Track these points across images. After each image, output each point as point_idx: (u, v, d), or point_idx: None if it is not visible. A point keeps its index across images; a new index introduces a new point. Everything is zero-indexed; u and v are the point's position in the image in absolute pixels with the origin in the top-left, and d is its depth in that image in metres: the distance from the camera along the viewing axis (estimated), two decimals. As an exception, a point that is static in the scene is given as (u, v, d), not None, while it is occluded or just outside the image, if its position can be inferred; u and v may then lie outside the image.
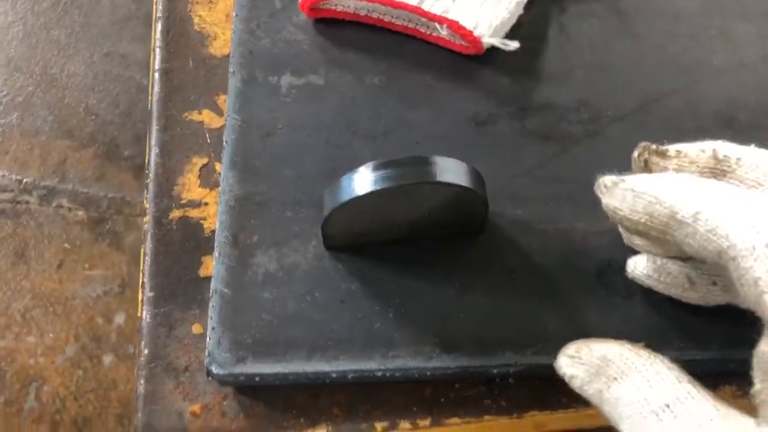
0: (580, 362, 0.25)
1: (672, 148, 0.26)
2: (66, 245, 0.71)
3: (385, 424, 0.31)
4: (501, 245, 0.31)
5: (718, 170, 0.25)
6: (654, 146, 0.27)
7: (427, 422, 0.31)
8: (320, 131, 0.33)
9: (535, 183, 0.33)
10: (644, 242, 0.29)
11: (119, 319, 0.68)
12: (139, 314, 0.33)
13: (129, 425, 0.63)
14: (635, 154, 0.27)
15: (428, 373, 0.29)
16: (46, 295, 0.69)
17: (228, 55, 0.37)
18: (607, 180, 0.26)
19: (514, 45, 0.34)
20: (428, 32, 0.35)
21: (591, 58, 0.36)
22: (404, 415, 0.31)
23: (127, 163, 0.76)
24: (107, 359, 0.67)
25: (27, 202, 0.73)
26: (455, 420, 0.31)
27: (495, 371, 0.30)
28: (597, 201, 0.33)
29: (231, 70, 0.35)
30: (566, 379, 0.26)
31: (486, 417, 0.31)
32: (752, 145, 0.26)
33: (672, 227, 0.24)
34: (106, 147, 0.76)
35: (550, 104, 0.34)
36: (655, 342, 0.29)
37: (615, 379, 0.24)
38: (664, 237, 0.25)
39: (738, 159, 0.25)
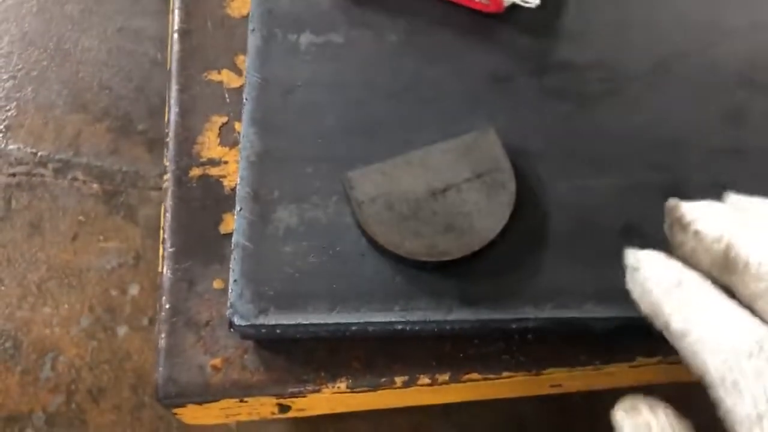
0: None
1: (692, 228, 0.26)
2: (80, 218, 0.71)
3: (404, 378, 0.31)
4: (519, 202, 0.31)
5: (725, 270, 0.25)
6: (679, 214, 0.26)
7: (446, 377, 0.31)
8: (339, 88, 0.33)
9: (553, 140, 0.33)
10: None
11: (133, 290, 0.69)
12: (159, 270, 0.33)
13: (143, 395, 0.64)
14: (666, 208, 0.27)
15: (447, 327, 0.29)
16: (61, 267, 0.69)
17: (246, 16, 0.37)
18: (631, 259, 0.27)
19: (534, 2, 0.34)
20: (448, -8, 0.35)
21: (609, 17, 0.35)
22: (423, 369, 0.31)
23: (140, 137, 0.76)
24: (121, 330, 0.67)
25: (42, 175, 0.73)
26: (474, 375, 0.31)
27: (514, 326, 0.30)
28: (613, 158, 0.33)
29: (251, 28, 0.34)
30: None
31: (504, 373, 0.31)
32: None
33: (666, 335, 0.25)
34: (119, 121, 0.76)
35: (568, 62, 0.34)
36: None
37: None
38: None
39: (746, 264, 0.24)
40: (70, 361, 0.67)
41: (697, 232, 0.26)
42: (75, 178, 0.75)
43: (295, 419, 0.65)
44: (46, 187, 0.74)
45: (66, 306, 0.69)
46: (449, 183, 0.30)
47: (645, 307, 0.26)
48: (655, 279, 0.25)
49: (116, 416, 0.65)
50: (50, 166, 0.75)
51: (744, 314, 0.23)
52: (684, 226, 0.26)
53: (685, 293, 0.25)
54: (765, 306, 0.23)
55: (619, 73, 0.34)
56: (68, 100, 0.81)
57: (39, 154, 0.76)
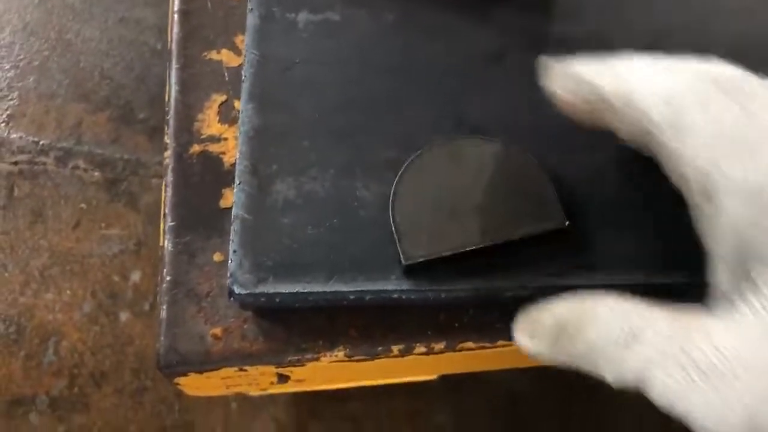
0: (539, 337, 0.26)
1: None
2: (82, 205, 0.72)
3: (400, 346, 0.31)
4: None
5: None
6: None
7: (441, 345, 0.32)
8: (336, 66, 0.34)
9: (550, 115, 0.33)
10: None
11: (135, 276, 0.69)
12: (161, 243, 0.33)
13: (145, 378, 0.65)
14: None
15: (443, 295, 0.30)
16: (64, 254, 0.70)
17: (246, -4, 0.37)
18: (548, 61, 0.27)
19: (528, -20, 0.34)
20: (443, -29, 0.36)
21: (604, -4, 0.36)
22: (419, 338, 0.32)
23: (141, 125, 0.77)
24: (123, 316, 0.68)
25: (44, 164, 0.74)
26: (469, 344, 0.32)
27: (509, 294, 0.30)
28: (610, 134, 0.33)
29: (249, 7, 0.35)
30: (533, 357, 0.26)
31: (500, 342, 0.32)
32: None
33: (605, 111, 0.25)
34: (121, 110, 0.77)
35: (563, 39, 0.35)
36: (660, 269, 0.30)
37: (576, 334, 0.24)
38: (599, 120, 0.26)
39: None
40: (72, 346, 0.68)
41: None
42: (77, 167, 0.76)
43: (294, 402, 0.66)
44: (48, 176, 0.75)
45: (68, 292, 0.70)
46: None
47: (571, 91, 0.27)
48: (583, 61, 0.26)
49: (118, 399, 0.66)
50: (52, 154, 0.76)
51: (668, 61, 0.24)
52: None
53: (614, 61, 0.26)
54: None
55: (614, 49, 0.35)
56: (70, 89, 0.82)
57: (41, 142, 0.77)
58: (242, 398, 0.62)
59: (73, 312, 0.67)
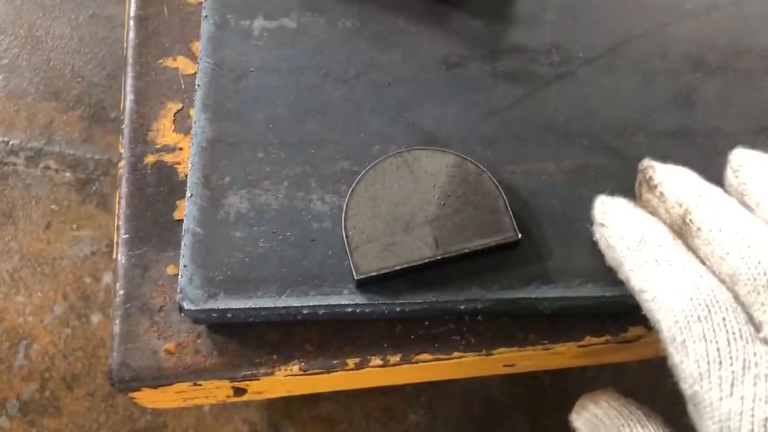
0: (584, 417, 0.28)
1: (659, 189, 0.27)
2: (53, 206, 0.71)
3: (356, 360, 0.31)
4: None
5: (682, 231, 0.27)
6: (648, 175, 0.28)
7: (397, 358, 0.31)
8: (292, 74, 0.33)
9: (504, 125, 0.33)
10: None
11: (107, 278, 0.69)
12: (114, 256, 0.33)
13: (118, 382, 0.64)
14: (639, 166, 0.29)
15: (397, 309, 0.30)
16: (34, 256, 0.69)
17: (202, 2, 0.37)
18: (598, 213, 0.28)
19: (485, -13, 0.34)
20: (401, -24, 0.35)
21: (562, 0, 0.36)
22: (375, 351, 0.31)
23: (113, 125, 0.76)
24: (95, 318, 0.67)
25: (14, 164, 0.73)
26: (425, 356, 0.31)
27: (462, 307, 0.30)
28: (564, 141, 0.33)
29: (204, 14, 0.35)
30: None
31: (455, 353, 0.32)
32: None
33: (628, 288, 0.27)
34: (92, 109, 0.76)
35: (521, 47, 0.35)
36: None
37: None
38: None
39: (698, 229, 0.26)
40: (43, 349, 0.67)
41: (662, 193, 0.27)
42: (47, 167, 0.75)
43: (267, 405, 0.66)
44: (18, 176, 0.74)
45: (39, 294, 0.69)
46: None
47: (609, 261, 0.28)
48: (619, 234, 0.27)
49: (90, 403, 0.65)
50: (22, 154, 0.75)
51: (698, 272, 0.24)
52: (651, 187, 0.28)
53: (645, 251, 0.26)
54: (715, 266, 0.25)
55: (571, 56, 0.35)
56: (40, 88, 0.81)
57: (11, 142, 0.76)
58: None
59: (44, 315, 0.67)
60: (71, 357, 0.65)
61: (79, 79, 0.77)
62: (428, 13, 0.35)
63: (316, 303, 0.29)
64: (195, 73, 0.36)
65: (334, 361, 0.31)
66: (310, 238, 0.30)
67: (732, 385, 0.22)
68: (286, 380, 0.32)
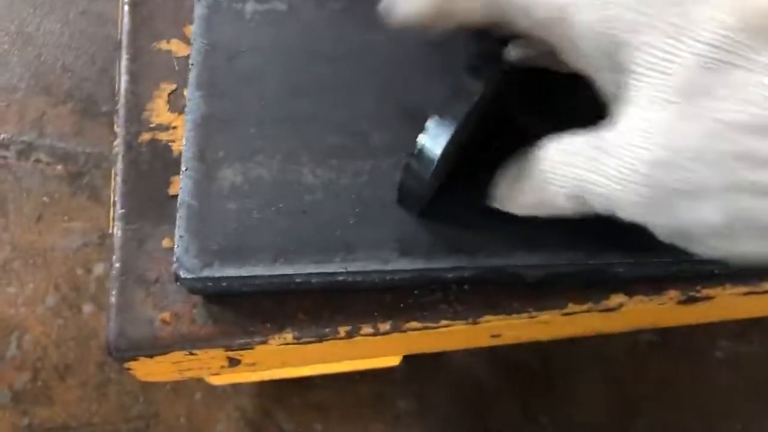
0: None
1: None
2: (45, 199, 0.72)
3: (347, 328, 0.32)
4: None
5: None
6: None
7: (387, 326, 0.32)
8: (282, 54, 0.34)
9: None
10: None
11: (98, 269, 0.69)
12: (110, 231, 0.34)
13: (110, 371, 0.65)
14: None
15: (387, 277, 0.31)
16: (26, 247, 0.70)
17: (195, -14, 0.38)
18: None
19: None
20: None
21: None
22: (366, 320, 0.32)
23: (104, 118, 0.76)
24: (87, 308, 0.68)
25: (5, 158, 0.73)
26: (414, 324, 0.32)
27: (450, 275, 0.31)
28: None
29: (197, -3, 0.36)
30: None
31: (443, 322, 0.33)
32: None
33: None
34: (83, 103, 0.77)
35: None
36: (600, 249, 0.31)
37: None
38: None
39: None
40: (36, 340, 0.68)
41: None
42: (38, 160, 0.75)
43: (259, 392, 0.66)
44: (10, 169, 0.75)
45: (31, 285, 0.70)
46: None
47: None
48: None
49: (82, 392, 0.66)
50: (13, 148, 0.75)
51: None
52: None
53: None
54: None
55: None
56: (31, 82, 0.81)
57: (2, 136, 0.77)
58: (207, 388, 0.62)
59: (36, 305, 0.67)
60: (63, 347, 0.66)
61: (70, 74, 0.78)
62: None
63: (309, 271, 0.30)
64: (188, 55, 0.37)
65: (327, 330, 0.32)
66: (301, 210, 0.31)
67: None
68: (280, 349, 0.33)
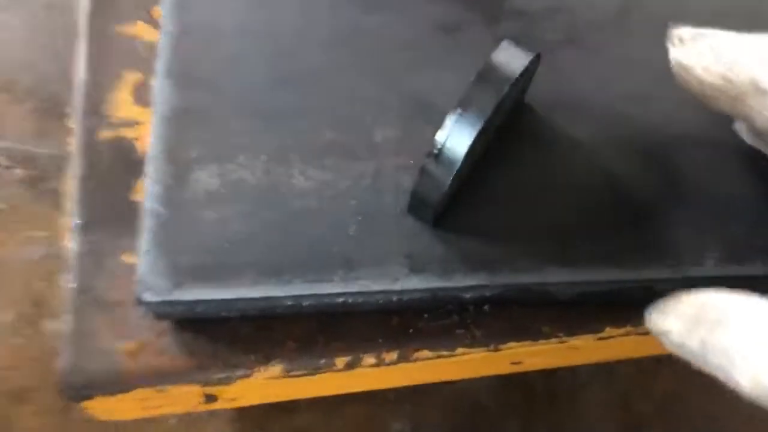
0: (674, 314, 0.22)
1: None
2: (2, 205, 0.66)
3: (346, 358, 0.27)
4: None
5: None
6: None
7: (393, 356, 0.27)
8: (269, 38, 0.30)
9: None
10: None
11: (61, 283, 0.63)
12: (65, 243, 0.29)
13: (74, 395, 0.59)
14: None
15: (394, 298, 0.26)
16: (-18, 259, 0.64)
17: (163, -38, 0.33)
18: (685, 32, 0.24)
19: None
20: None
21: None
22: (368, 348, 0.27)
23: (68, 119, 0.70)
24: (49, 325, 0.62)
25: (-41, 161, 0.67)
26: (425, 353, 0.28)
27: (468, 295, 0.26)
28: (576, 113, 0.30)
29: (166, -30, 0.30)
30: (661, 338, 0.23)
31: (459, 349, 0.28)
32: None
33: (750, 95, 0.22)
34: (45, 102, 0.71)
35: (522, 11, 0.31)
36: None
37: (719, 322, 0.21)
38: (733, 105, 0.23)
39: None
40: (-9, 361, 0.62)
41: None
42: (-4, 164, 0.70)
43: (239, 417, 0.61)
44: (-36, 174, 0.69)
45: (-13, 301, 0.64)
46: None
47: (713, 71, 0.23)
48: (732, 38, 0.23)
49: (45, 419, 0.60)
50: (-31, 150, 0.69)
51: None
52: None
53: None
54: None
55: (577, 20, 0.31)
56: (-11, 80, 0.75)
57: (-44, 138, 0.71)
58: (181, 413, 0.57)
59: (-8, 323, 0.61)
60: (23, 368, 0.60)
61: (32, 71, 0.72)
62: (420, -29, 0.31)
63: (301, 292, 0.25)
64: (156, 40, 0.31)
65: (321, 361, 0.27)
66: (292, 218, 0.27)
67: None
68: (266, 383, 0.28)
